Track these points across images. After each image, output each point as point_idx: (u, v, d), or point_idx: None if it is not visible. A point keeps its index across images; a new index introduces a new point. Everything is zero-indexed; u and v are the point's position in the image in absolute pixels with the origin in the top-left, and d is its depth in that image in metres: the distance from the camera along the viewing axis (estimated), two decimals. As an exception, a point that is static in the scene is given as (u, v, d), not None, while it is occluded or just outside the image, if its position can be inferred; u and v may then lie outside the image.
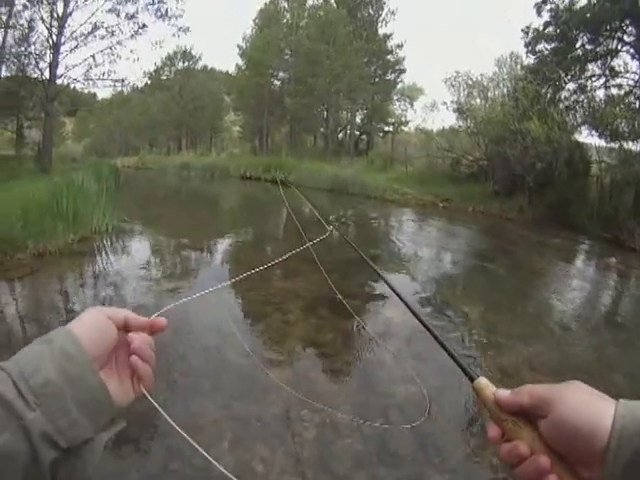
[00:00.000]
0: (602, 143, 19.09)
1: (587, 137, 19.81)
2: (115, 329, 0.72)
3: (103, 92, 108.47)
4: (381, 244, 12.36)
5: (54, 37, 22.40)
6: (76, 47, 22.96)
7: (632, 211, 15.21)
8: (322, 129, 40.44)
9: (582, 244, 14.68)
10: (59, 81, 23.59)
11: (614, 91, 19.73)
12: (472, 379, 0.69)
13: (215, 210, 18.85)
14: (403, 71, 40.01)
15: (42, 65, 22.96)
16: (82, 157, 43.74)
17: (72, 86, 26.38)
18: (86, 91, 31.61)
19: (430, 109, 29.48)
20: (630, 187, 16.15)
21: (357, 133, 41.30)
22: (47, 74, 22.87)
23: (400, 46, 39.10)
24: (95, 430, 0.62)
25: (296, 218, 11.38)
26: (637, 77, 19.11)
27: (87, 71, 23.61)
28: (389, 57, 39.45)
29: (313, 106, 36.83)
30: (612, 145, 18.51)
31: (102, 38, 23.23)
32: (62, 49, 22.75)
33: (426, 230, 15.19)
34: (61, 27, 22.40)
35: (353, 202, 20.17)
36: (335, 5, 37.25)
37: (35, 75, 23.35)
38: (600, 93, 20.13)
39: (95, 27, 22.83)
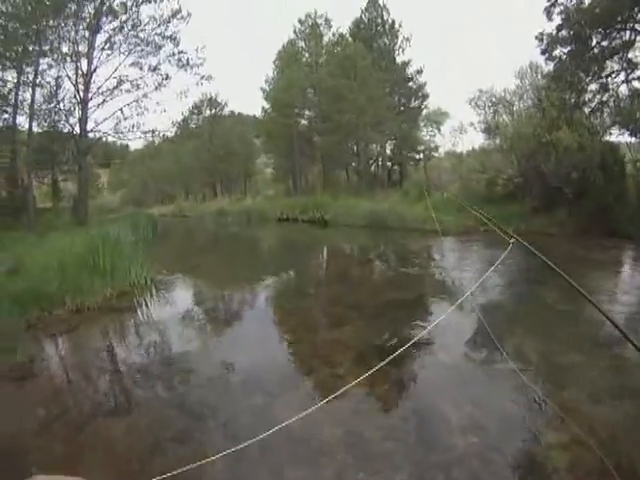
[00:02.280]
0: (634, 139, 19.05)
1: (618, 137, 19.59)
2: None
3: (135, 143, 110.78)
4: (429, 277, 12.14)
5: (81, 93, 23.43)
6: (103, 102, 24.01)
7: None
8: (354, 164, 40.51)
9: (628, 251, 14.29)
10: (90, 135, 24.55)
11: (636, 84, 19.46)
12: None
13: (256, 257, 18.71)
14: (426, 96, 39.92)
15: (72, 120, 24.01)
16: (119, 208, 44.89)
17: (104, 139, 27.33)
18: (118, 143, 32.88)
19: (459, 132, 29.44)
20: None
21: (389, 164, 41.22)
22: (77, 129, 23.88)
23: (420, 72, 39.22)
24: None
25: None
26: None
27: (116, 124, 24.53)
28: (410, 84, 39.52)
29: (342, 142, 36.91)
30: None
31: (128, 92, 24.23)
32: (90, 104, 23.75)
33: (471, 258, 14.89)
34: (87, 83, 23.45)
35: (393, 236, 19.97)
36: (351, 39, 37.67)
37: (66, 130, 24.43)
38: (623, 89, 19.79)
39: (120, 82, 23.85)
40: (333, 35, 40.27)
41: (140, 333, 8.09)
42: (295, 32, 40.85)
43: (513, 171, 21.70)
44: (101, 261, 10.65)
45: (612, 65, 19.54)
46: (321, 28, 40.44)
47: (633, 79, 19.29)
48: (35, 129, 23.53)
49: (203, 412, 4.96)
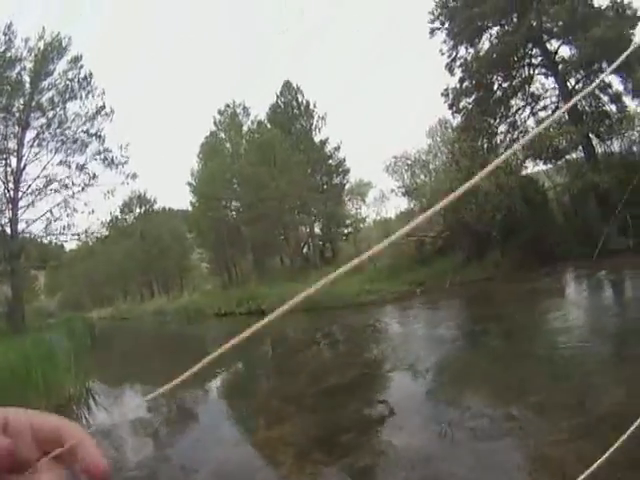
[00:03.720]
0: (548, 167, 20.56)
1: (534, 168, 20.91)
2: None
3: (70, 243, 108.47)
4: (370, 352, 11.63)
5: (11, 192, 22.62)
6: (33, 202, 23.21)
7: (599, 217, 15.81)
8: (285, 249, 39.97)
9: (567, 272, 14.62)
10: (22, 236, 23.51)
11: (542, 114, 20.93)
12: None
13: (196, 357, 17.64)
14: (347, 171, 40.63)
15: (3, 221, 22.93)
16: (57, 312, 43.24)
17: (39, 240, 26.33)
18: (53, 243, 31.88)
19: (380, 201, 29.57)
20: (588, 195, 16.87)
21: (320, 243, 40.94)
22: (8, 230, 22.76)
23: (338, 148, 40.13)
24: None
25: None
26: (557, 91, 20.39)
27: (47, 226, 23.64)
28: (330, 162, 40.22)
29: (270, 229, 36.56)
30: (559, 164, 20.06)
31: (56, 192, 23.51)
32: (20, 204, 22.93)
33: (410, 324, 14.38)
34: (17, 182, 22.66)
35: (331, 316, 19.21)
36: (269, 125, 37.92)
37: None
38: (531, 122, 21.20)
39: (49, 181, 23.23)
40: (252, 123, 40.72)
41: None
42: (215, 123, 41.19)
43: (439, 228, 21.63)
44: (34, 373, 9.76)
45: (517, 102, 20.99)
46: (240, 117, 40.84)
47: (538, 110, 20.65)
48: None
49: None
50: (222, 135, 41.22)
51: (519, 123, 21.05)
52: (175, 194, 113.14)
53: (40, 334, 15.60)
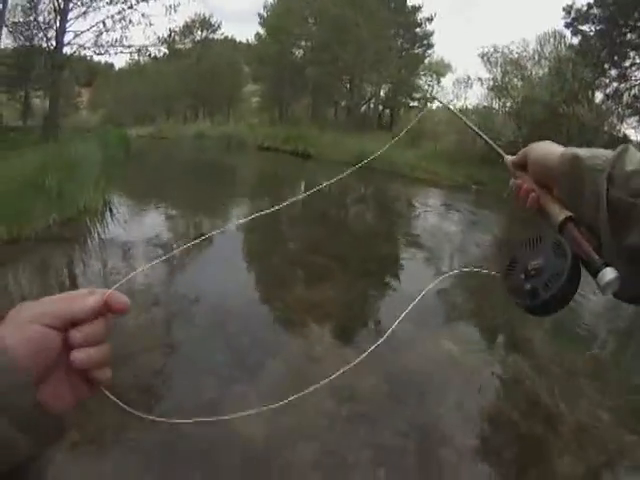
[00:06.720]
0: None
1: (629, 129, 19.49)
2: (56, 337, 0.56)
3: (120, 62, 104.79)
4: (414, 230, 11.57)
5: (61, 3, 20.41)
6: (84, 13, 20.79)
7: None
8: (345, 101, 38.96)
9: None
10: (67, 49, 21.47)
11: None
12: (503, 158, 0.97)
13: (232, 186, 17.58)
14: (431, 45, 38.29)
15: (50, 34, 21.23)
16: (97, 127, 42.85)
17: (87, 56, 24.56)
18: (103, 61, 29.73)
19: (464, 85, 28.21)
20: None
21: (380, 107, 39.85)
22: (54, 42, 21.09)
23: (430, 19, 37.34)
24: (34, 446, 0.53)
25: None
26: None
27: (97, 37, 21.17)
28: (417, 30, 37.72)
29: (337, 76, 35.30)
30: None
31: (111, 3, 20.76)
32: (70, 15, 20.73)
33: (459, 215, 13.98)
34: None
35: (382, 179, 18.75)
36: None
37: (44, 45, 21.79)
38: None
39: None
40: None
41: (79, 268, 7.04)
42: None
43: (515, 137, 20.72)
44: (48, 182, 9.28)
45: (635, 57, 19.18)
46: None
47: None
48: (10, 43, 22.11)
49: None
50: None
51: (631, 78, 19.27)
52: (238, 26, 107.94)
53: (67, 144, 14.81)
